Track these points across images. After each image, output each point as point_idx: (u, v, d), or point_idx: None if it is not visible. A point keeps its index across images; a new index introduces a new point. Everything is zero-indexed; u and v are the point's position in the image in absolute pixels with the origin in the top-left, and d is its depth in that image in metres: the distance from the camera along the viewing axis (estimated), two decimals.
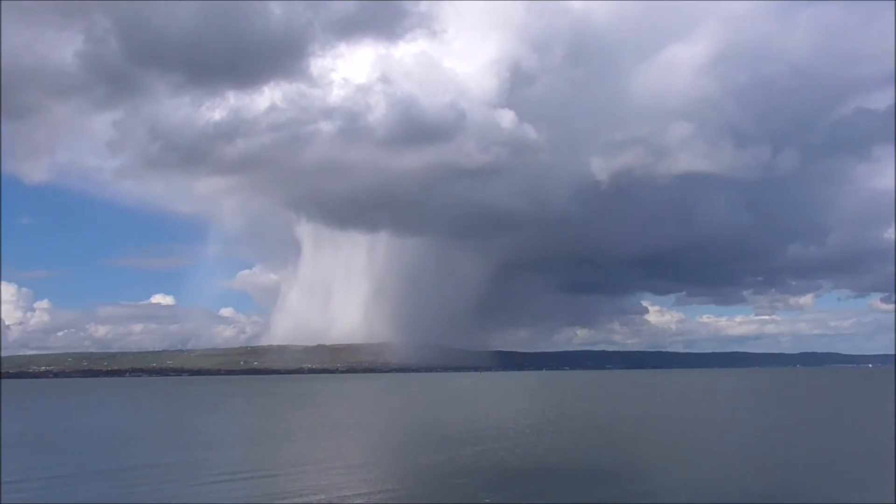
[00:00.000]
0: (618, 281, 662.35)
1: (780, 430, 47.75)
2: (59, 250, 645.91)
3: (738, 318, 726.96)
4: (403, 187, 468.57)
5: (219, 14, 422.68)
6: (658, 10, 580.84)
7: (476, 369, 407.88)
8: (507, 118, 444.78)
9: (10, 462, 34.85)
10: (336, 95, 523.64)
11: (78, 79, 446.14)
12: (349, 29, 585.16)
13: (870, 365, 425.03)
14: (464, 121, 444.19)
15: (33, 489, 27.98)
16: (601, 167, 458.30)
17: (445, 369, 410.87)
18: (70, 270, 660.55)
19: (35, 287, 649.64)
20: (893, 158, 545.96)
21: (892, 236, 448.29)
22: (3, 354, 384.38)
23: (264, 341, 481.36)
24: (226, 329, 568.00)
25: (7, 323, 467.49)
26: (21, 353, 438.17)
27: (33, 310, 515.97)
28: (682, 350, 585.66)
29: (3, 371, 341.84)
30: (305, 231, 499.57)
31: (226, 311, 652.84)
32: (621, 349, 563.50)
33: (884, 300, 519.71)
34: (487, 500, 24.37)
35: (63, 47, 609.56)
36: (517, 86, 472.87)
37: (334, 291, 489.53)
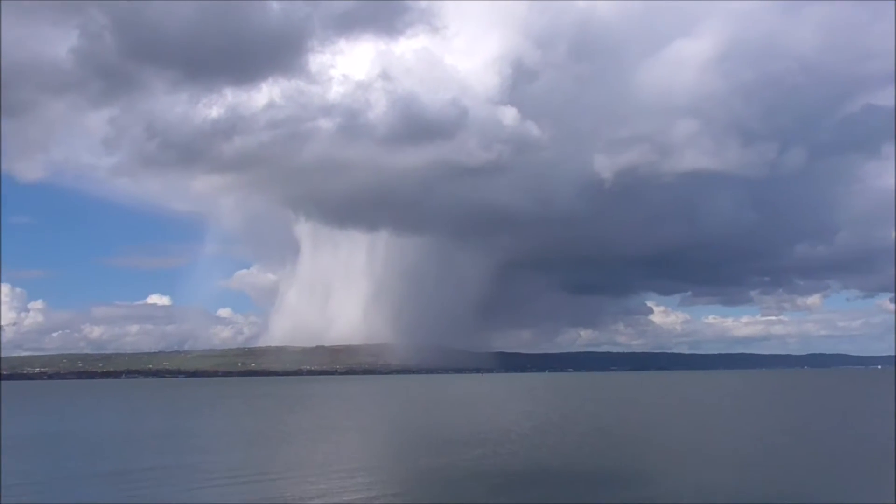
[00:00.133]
0: (622, 281, 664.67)
1: (786, 432, 47.73)
2: (54, 250, 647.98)
3: (745, 319, 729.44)
4: (404, 186, 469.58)
5: (216, 9, 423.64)
6: (663, 5, 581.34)
7: (478, 371, 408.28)
8: (509, 115, 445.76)
9: (8, 465, 34.88)
10: (335, 92, 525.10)
11: (73, 75, 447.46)
12: (349, 25, 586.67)
13: (879, 367, 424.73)
14: (465, 118, 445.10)
15: (31, 493, 28.04)
16: (605, 165, 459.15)
17: (446, 371, 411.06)
18: (65, 270, 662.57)
19: (29, 287, 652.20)
20: (893, 158, 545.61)
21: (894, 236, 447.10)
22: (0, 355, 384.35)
23: (262, 342, 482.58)
24: (223, 330, 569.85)
25: (1, 324, 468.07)
26: (15, 354, 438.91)
27: (27, 310, 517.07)
28: (687, 351, 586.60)
29: (0, 372, 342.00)
30: (304, 230, 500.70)
31: (223, 312, 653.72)
32: (625, 350, 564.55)
33: (893, 300, 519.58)
34: None
35: (58, 43, 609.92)
36: (520, 82, 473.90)
37: (333, 291, 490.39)
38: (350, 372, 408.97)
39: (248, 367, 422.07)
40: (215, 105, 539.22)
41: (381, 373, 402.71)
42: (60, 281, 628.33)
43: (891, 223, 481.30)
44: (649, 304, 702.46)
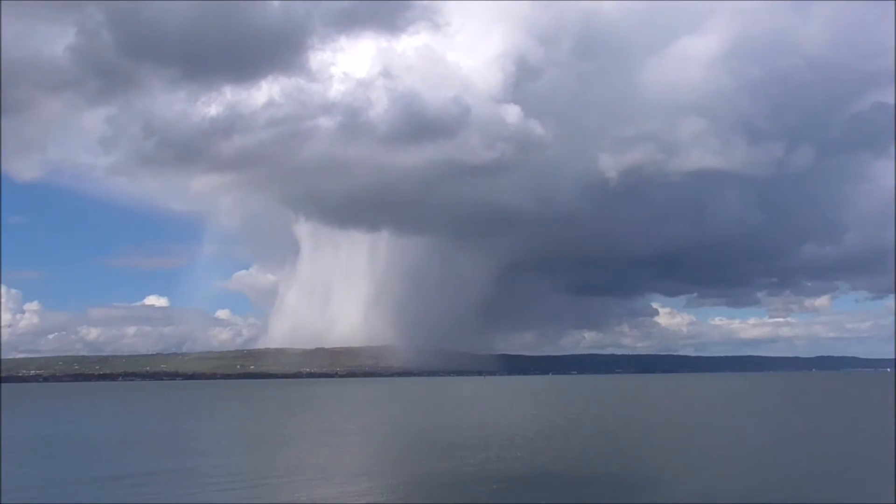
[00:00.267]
0: (627, 282, 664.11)
1: (793, 437, 47.73)
2: (50, 250, 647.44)
3: (752, 321, 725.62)
4: (405, 185, 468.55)
5: (215, 6, 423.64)
6: (669, 2, 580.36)
7: (480, 373, 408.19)
8: (512, 113, 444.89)
9: (6, 469, 34.91)
10: (336, 90, 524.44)
11: (70, 73, 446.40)
12: (349, 22, 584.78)
13: (888, 370, 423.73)
14: (468, 116, 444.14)
15: (30, 497, 28.11)
16: (610, 164, 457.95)
17: (448, 373, 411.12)
18: (61, 271, 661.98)
19: (25, 288, 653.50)
20: (893, 158, 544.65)
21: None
22: None
23: (261, 344, 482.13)
24: (222, 331, 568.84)
25: (0, 325, 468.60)
26: (10, 356, 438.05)
27: (23, 311, 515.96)
28: (693, 353, 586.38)
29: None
30: (304, 230, 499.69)
31: (222, 313, 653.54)
32: (630, 352, 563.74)
33: None
34: None
35: (54, 41, 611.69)
36: (523, 80, 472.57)
37: (334, 293, 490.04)
38: (350, 374, 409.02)
39: (246, 370, 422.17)
40: (214, 103, 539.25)
41: (382, 375, 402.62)
42: (56, 282, 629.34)
43: None
44: (654, 305, 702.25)
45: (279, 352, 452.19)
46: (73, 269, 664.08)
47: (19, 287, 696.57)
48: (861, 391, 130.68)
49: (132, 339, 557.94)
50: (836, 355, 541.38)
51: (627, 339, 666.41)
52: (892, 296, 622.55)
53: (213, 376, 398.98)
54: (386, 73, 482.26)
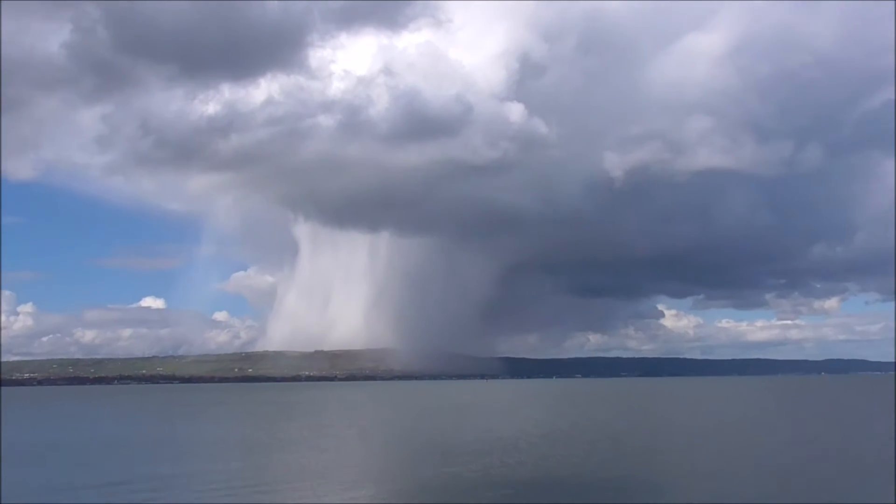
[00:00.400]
0: (632, 283, 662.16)
1: (802, 443, 47.64)
2: (45, 251, 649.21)
3: (760, 323, 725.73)
4: (406, 185, 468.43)
5: (213, 3, 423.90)
6: None
7: (482, 377, 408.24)
8: (515, 112, 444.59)
9: (3, 475, 34.96)
10: (336, 88, 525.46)
11: (65, 71, 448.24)
12: (350, 18, 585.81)
13: None
14: (470, 115, 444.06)
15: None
16: (615, 163, 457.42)
17: (450, 377, 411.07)
18: (56, 272, 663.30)
19: (19, 289, 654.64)
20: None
21: None
22: None
23: (260, 347, 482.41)
24: (219, 334, 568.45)
25: (1, 328, 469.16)
26: (3, 359, 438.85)
27: (17, 313, 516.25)
28: (699, 356, 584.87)
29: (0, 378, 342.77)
30: (303, 231, 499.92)
31: (219, 315, 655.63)
32: (636, 355, 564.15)
33: None
34: None
35: (50, 38, 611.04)
36: (526, 77, 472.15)
37: (333, 294, 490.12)
38: (350, 378, 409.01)
39: (244, 373, 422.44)
40: (212, 101, 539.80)
41: (382, 379, 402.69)
42: (51, 283, 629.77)
43: None
44: (660, 307, 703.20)
45: (278, 355, 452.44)
46: (68, 270, 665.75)
47: (13, 289, 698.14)
48: (870, 395, 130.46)
49: (128, 341, 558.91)
50: (845, 358, 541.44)
51: (633, 342, 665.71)
52: None
53: (211, 380, 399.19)
54: (387, 71, 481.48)
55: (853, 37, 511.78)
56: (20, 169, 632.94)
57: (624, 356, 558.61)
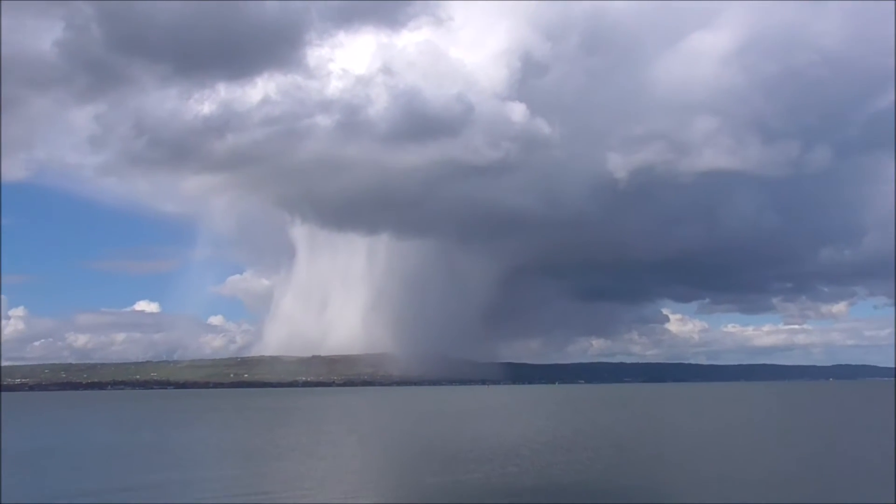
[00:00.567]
0: (636, 287, 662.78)
1: (809, 451, 47.68)
2: (36, 253, 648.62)
3: (766, 328, 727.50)
4: (406, 186, 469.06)
5: (209, 0, 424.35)
6: None
7: (483, 382, 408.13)
8: (517, 111, 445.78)
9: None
10: (334, 87, 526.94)
11: (58, 69, 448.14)
12: (348, 16, 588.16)
13: None
14: (471, 114, 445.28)
15: None
16: (619, 164, 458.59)
17: (450, 382, 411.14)
18: (48, 275, 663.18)
19: (10, 293, 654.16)
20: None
21: None
22: None
23: (256, 352, 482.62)
24: (214, 338, 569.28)
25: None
26: None
27: (8, 317, 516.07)
28: (705, 362, 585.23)
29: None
30: (300, 233, 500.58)
31: (214, 320, 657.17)
32: (640, 361, 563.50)
33: None
34: None
35: (42, 35, 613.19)
36: (529, 77, 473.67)
37: (331, 298, 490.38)
38: (348, 383, 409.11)
39: (240, 378, 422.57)
40: (207, 101, 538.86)
41: (381, 384, 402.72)
42: (43, 286, 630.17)
43: None
44: (665, 311, 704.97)
45: (274, 360, 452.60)
46: (61, 273, 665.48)
47: (4, 292, 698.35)
48: (878, 401, 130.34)
49: (121, 346, 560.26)
50: (853, 364, 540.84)
51: (637, 347, 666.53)
52: None
53: (206, 385, 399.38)
54: (386, 70, 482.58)
55: (861, 35, 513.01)
56: (12, 169, 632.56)
57: (628, 361, 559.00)
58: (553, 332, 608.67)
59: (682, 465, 40.48)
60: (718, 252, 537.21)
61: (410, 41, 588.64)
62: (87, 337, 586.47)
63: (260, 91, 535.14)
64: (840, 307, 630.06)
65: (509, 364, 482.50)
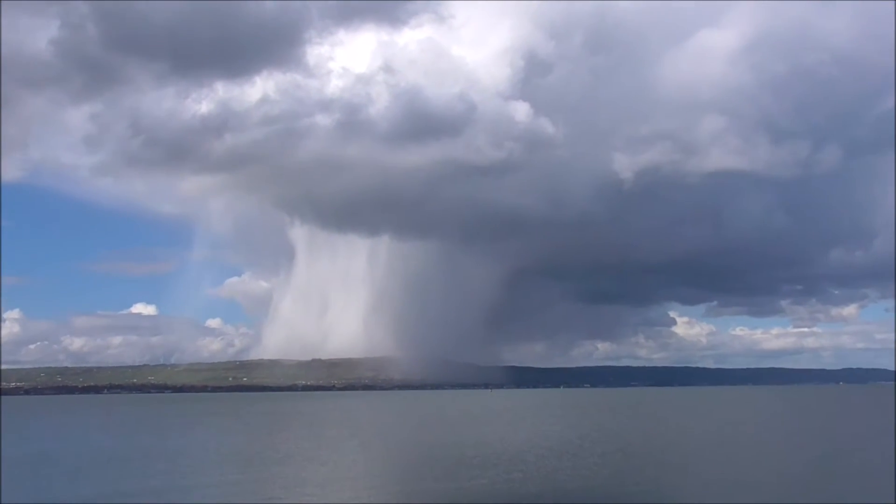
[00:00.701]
0: (642, 289, 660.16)
1: (818, 456, 47.62)
2: (31, 255, 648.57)
3: (775, 331, 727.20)
4: (407, 186, 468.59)
5: None
6: None
7: (486, 386, 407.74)
8: (521, 111, 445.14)
9: None
10: (334, 86, 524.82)
11: (53, 68, 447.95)
12: (349, 14, 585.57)
13: None
14: (474, 114, 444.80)
15: None
16: (624, 164, 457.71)
17: (453, 386, 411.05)
18: (43, 277, 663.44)
19: (4, 295, 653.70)
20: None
21: None
22: None
23: (254, 355, 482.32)
24: (212, 342, 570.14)
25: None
26: None
27: (2, 320, 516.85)
28: (713, 365, 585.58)
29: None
30: (300, 234, 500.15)
31: (212, 322, 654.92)
32: (646, 364, 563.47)
33: None
34: None
35: (37, 34, 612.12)
36: (532, 75, 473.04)
37: (331, 301, 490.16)
38: (349, 387, 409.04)
39: (239, 382, 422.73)
40: (205, 100, 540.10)
41: (382, 388, 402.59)
42: (38, 288, 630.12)
43: None
44: (672, 314, 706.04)
45: (273, 363, 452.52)
46: (56, 275, 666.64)
47: None
48: (888, 405, 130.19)
49: (118, 349, 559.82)
50: (864, 367, 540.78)
51: (643, 351, 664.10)
52: None
53: (204, 389, 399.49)
54: (387, 68, 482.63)
55: (872, 34, 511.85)
56: (6, 170, 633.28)
57: (634, 365, 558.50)
58: (557, 335, 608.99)
59: (690, 470, 40.44)
60: (726, 254, 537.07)
61: (412, 39, 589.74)
62: (83, 340, 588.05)
63: (259, 90, 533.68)
64: (850, 310, 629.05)
65: (513, 368, 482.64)
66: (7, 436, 74.70)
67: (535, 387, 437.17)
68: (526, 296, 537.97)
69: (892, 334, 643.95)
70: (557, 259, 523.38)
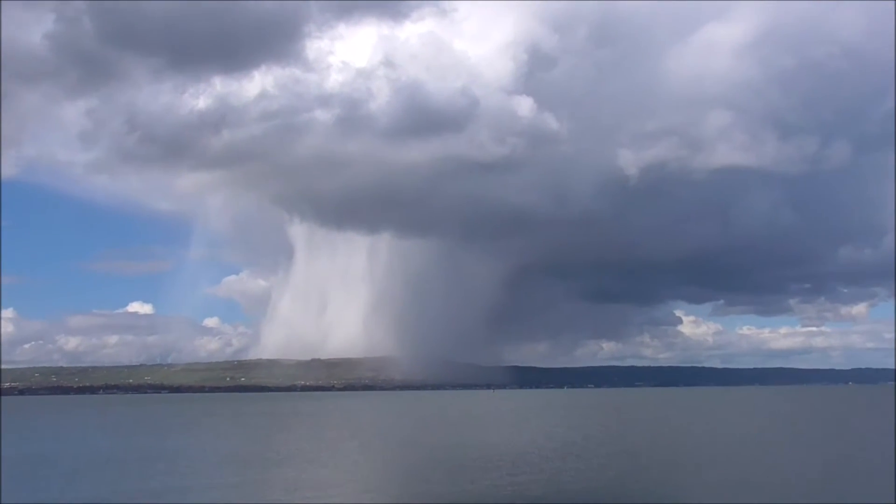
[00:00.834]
0: (648, 288, 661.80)
1: (825, 458, 47.68)
2: (26, 253, 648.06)
3: (783, 330, 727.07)
4: (408, 183, 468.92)
5: None
6: None
7: (489, 387, 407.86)
8: (524, 106, 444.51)
9: None
10: (334, 81, 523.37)
11: (48, 63, 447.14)
12: (349, 7, 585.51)
13: None
14: (476, 109, 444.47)
15: None
16: (630, 160, 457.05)
17: (454, 386, 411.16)
18: (38, 276, 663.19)
19: None
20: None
21: None
22: None
23: (253, 355, 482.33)
24: (210, 341, 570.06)
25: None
26: None
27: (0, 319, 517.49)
28: (719, 365, 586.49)
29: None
30: (299, 232, 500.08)
31: (210, 322, 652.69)
32: (652, 364, 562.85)
33: None
34: None
35: (31, 28, 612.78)
36: (536, 70, 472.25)
37: (331, 299, 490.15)
38: (349, 388, 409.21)
39: (237, 382, 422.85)
40: (202, 95, 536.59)
41: (382, 389, 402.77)
42: (33, 287, 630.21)
43: None
44: (678, 313, 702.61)
45: (272, 363, 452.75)
46: (51, 274, 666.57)
47: None
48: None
49: (114, 348, 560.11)
50: (873, 367, 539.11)
51: (648, 350, 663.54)
52: None
53: (201, 389, 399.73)
54: (388, 63, 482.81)
55: (882, 27, 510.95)
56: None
57: (639, 365, 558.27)
58: (561, 335, 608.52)
59: (695, 471, 40.51)
60: (733, 252, 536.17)
61: (413, 33, 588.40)
62: (79, 339, 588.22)
63: (257, 85, 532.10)
64: (860, 308, 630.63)
65: (515, 368, 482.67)
66: (4, 436, 74.90)
67: (538, 387, 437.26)
68: (529, 294, 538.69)
69: None
70: (561, 257, 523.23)
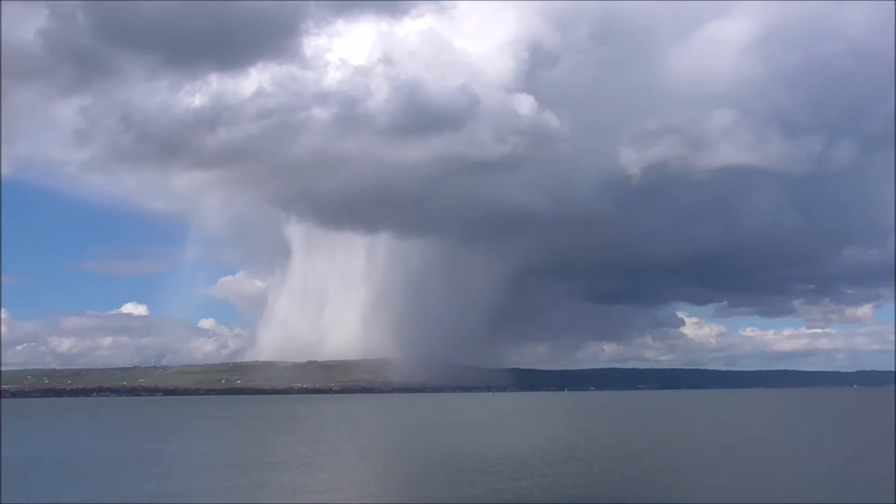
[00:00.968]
0: (650, 289, 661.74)
1: (829, 462, 47.75)
2: (18, 253, 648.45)
3: (787, 332, 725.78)
4: (407, 182, 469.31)
5: None
6: None
7: (489, 389, 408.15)
8: (525, 104, 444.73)
9: None
10: (332, 78, 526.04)
11: (41, 60, 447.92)
12: (347, 4, 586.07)
13: None
14: (476, 107, 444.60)
15: None
16: (632, 160, 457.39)
17: (454, 389, 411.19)
18: (30, 276, 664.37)
19: None
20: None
21: None
22: None
23: (249, 357, 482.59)
24: (205, 343, 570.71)
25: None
26: None
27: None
28: (722, 367, 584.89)
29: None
30: (296, 232, 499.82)
31: (206, 323, 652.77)
32: (654, 366, 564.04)
33: None
34: None
35: (25, 24, 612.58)
36: (537, 68, 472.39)
37: (328, 301, 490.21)
38: (346, 390, 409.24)
39: (233, 385, 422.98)
40: (198, 93, 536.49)
41: (380, 391, 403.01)
42: (25, 288, 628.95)
43: None
44: (680, 314, 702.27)
45: (268, 365, 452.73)
46: (44, 274, 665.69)
47: None
48: None
49: (108, 350, 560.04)
50: (879, 370, 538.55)
51: (651, 352, 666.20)
52: None
53: (196, 392, 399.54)
54: (386, 60, 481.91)
55: (889, 24, 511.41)
56: None
57: (641, 367, 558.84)
58: (562, 337, 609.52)
59: (699, 474, 40.58)
60: (736, 252, 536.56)
61: (412, 30, 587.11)
62: (72, 341, 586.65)
63: (254, 82, 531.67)
64: (865, 310, 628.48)
65: (516, 370, 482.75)
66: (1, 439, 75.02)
67: (539, 389, 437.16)
68: (529, 295, 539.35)
69: None
70: (562, 257, 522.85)
